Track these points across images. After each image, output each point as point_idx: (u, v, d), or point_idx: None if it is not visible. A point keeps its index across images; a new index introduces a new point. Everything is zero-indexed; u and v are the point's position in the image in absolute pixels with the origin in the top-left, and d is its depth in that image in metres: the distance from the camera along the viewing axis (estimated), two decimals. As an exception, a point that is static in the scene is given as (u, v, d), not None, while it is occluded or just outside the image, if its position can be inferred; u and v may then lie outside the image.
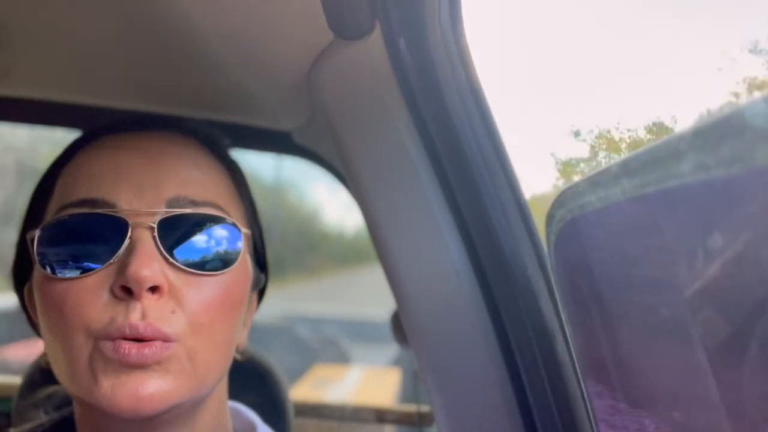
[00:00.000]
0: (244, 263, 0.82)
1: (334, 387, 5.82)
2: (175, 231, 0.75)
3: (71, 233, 0.75)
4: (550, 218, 0.75)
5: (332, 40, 0.85)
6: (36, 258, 0.75)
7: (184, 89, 1.10)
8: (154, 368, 0.70)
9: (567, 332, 0.84)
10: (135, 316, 0.69)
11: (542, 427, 0.87)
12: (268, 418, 1.01)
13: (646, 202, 0.57)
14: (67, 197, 0.77)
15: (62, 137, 0.95)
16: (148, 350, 0.69)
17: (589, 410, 0.82)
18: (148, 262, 0.70)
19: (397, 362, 6.49)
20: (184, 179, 0.79)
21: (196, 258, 0.75)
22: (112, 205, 0.75)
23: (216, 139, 0.90)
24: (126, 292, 0.70)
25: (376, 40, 0.83)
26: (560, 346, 0.85)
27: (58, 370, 0.75)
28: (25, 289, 0.84)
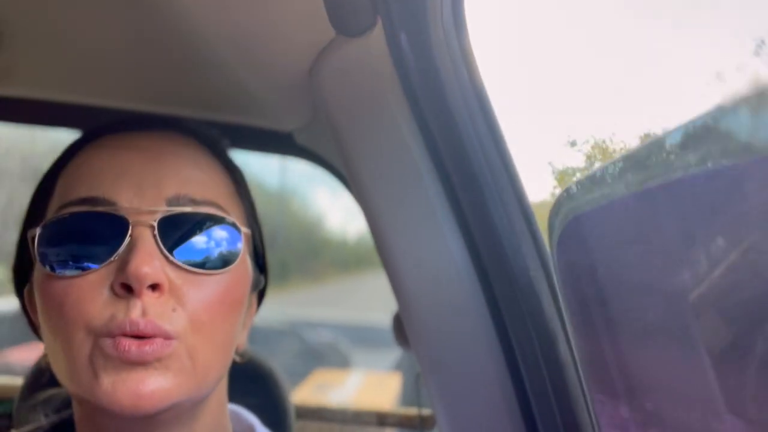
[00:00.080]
0: (244, 263, 0.82)
1: (334, 391, 5.82)
2: (176, 230, 0.75)
3: (72, 231, 0.75)
4: (552, 217, 0.75)
5: (333, 37, 0.85)
6: (36, 256, 0.75)
7: (184, 90, 1.10)
8: (154, 365, 0.70)
9: (569, 333, 0.84)
10: (135, 313, 0.69)
11: (544, 429, 0.86)
12: (269, 421, 1.01)
13: (651, 196, 0.57)
14: (67, 196, 0.77)
15: (65, 138, 0.94)
16: (149, 347, 0.69)
17: (592, 413, 0.82)
18: (149, 260, 0.70)
19: (398, 367, 6.49)
20: (185, 178, 0.79)
21: (197, 257, 0.75)
22: (112, 204, 0.75)
23: (215, 139, 0.90)
24: (126, 289, 0.70)
25: (377, 36, 0.83)
26: (562, 348, 0.85)
27: (58, 369, 0.75)
28: (26, 290, 0.84)
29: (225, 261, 0.77)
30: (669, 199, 0.55)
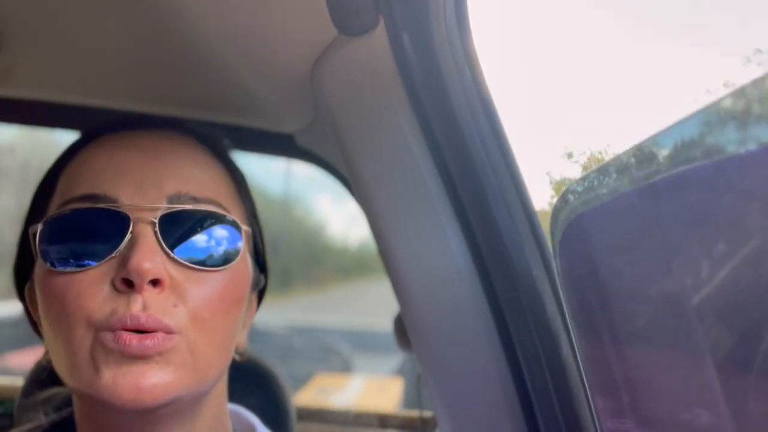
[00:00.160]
0: (245, 261, 0.82)
1: (336, 396, 5.81)
2: (177, 227, 0.75)
3: (73, 228, 0.75)
4: (555, 217, 0.74)
5: (335, 37, 0.85)
6: (38, 252, 0.76)
7: (185, 91, 1.10)
8: (155, 359, 0.70)
9: (572, 334, 0.84)
10: (136, 308, 0.69)
11: (546, 430, 0.86)
12: (270, 422, 1.01)
13: (655, 194, 0.56)
14: (69, 193, 0.78)
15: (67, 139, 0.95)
16: (150, 341, 0.69)
17: (594, 414, 0.81)
18: (150, 256, 0.70)
19: (399, 371, 6.48)
20: (185, 176, 0.79)
21: (197, 254, 0.75)
22: (113, 201, 0.75)
23: (215, 139, 0.91)
24: (127, 284, 0.70)
25: (380, 35, 0.83)
26: (565, 349, 0.84)
27: (59, 365, 0.75)
28: (27, 287, 0.85)
29: (225, 258, 0.77)
30: (672, 196, 0.55)
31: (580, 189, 0.69)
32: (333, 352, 8.19)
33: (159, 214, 0.74)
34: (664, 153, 0.54)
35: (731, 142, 0.44)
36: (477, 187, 0.86)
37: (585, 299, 0.74)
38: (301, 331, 8.53)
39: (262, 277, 0.93)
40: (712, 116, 0.47)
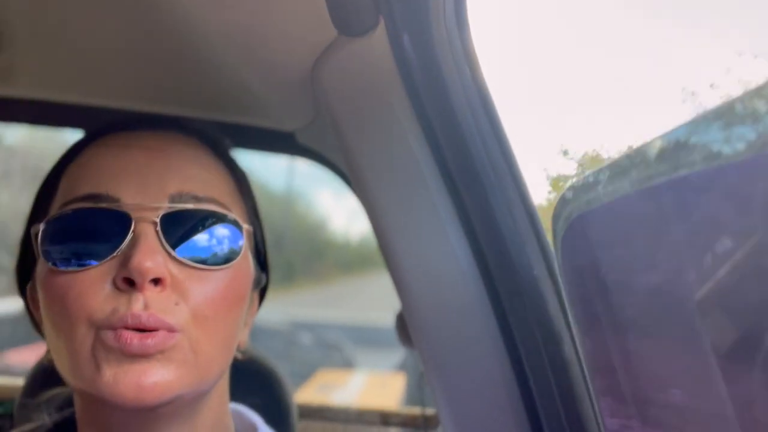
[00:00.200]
0: (246, 259, 0.82)
1: (337, 392, 5.81)
2: (178, 226, 0.75)
3: (75, 227, 0.75)
4: (556, 216, 0.74)
5: (336, 37, 0.85)
6: (39, 252, 0.76)
7: (186, 90, 1.10)
8: (157, 357, 0.70)
9: (574, 332, 0.84)
10: (137, 307, 0.70)
11: (548, 428, 0.86)
12: (271, 420, 1.01)
13: (657, 193, 0.56)
14: (71, 193, 0.78)
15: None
16: (151, 340, 0.69)
17: (597, 411, 0.82)
18: (151, 255, 0.71)
19: (402, 367, 6.48)
20: (187, 176, 0.80)
21: (199, 253, 0.76)
22: (115, 200, 0.75)
23: (217, 139, 0.91)
24: (128, 283, 0.71)
25: (380, 36, 0.83)
26: (567, 347, 0.84)
27: (61, 363, 0.75)
28: (28, 287, 0.85)
29: (227, 257, 0.78)
30: (674, 196, 0.55)
31: (581, 188, 0.69)
32: (334, 348, 8.19)
33: (160, 213, 0.74)
34: (666, 155, 0.54)
35: (733, 145, 0.44)
36: (477, 184, 0.86)
37: (587, 297, 0.74)
38: (302, 327, 8.53)
39: (263, 276, 0.93)
40: (716, 119, 0.47)
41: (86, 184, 0.78)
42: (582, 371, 0.83)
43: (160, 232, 0.74)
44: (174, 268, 0.74)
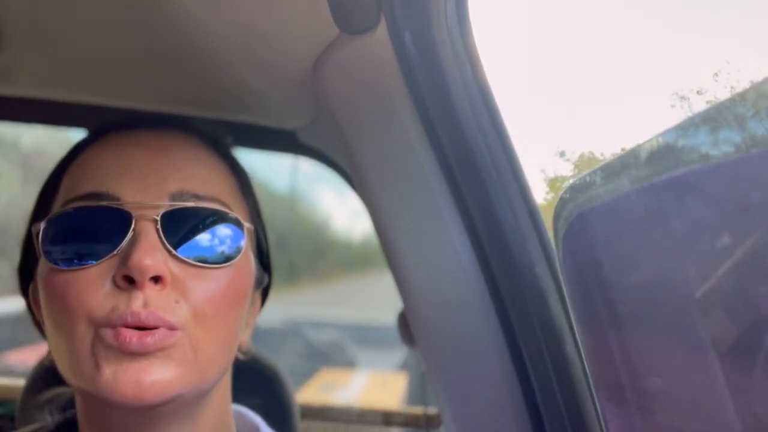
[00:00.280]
0: (247, 258, 0.82)
1: (339, 391, 5.82)
2: (179, 224, 0.75)
3: (75, 225, 0.75)
4: (557, 214, 0.74)
5: (337, 35, 0.85)
6: (40, 250, 0.76)
7: (188, 88, 1.10)
8: (156, 355, 0.70)
9: (575, 330, 0.84)
10: (137, 305, 0.69)
11: (550, 426, 0.86)
12: (273, 421, 1.01)
13: (657, 191, 0.56)
14: (72, 191, 0.78)
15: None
16: (150, 339, 0.69)
17: (598, 409, 0.81)
18: (151, 252, 0.71)
19: (404, 366, 6.49)
20: (188, 174, 0.80)
21: (199, 251, 0.75)
22: (116, 199, 0.75)
23: (218, 137, 0.91)
24: (128, 281, 0.71)
25: (381, 34, 0.82)
26: (569, 345, 0.84)
27: (61, 362, 0.75)
28: (30, 287, 0.85)
29: (227, 256, 0.77)
30: (675, 194, 0.55)
31: (582, 187, 0.69)
32: (336, 348, 8.19)
33: (161, 211, 0.74)
34: (667, 153, 0.53)
35: (733, 143, 0.44)
36: (479, 182, 0.86)
37: (588, 295, 0.74)
38: (304, 326, 8.54)
39: (265, 276, 0.93)
40: (717, 116, 0.47)
41: (87, 183, 0.78)
42: (583, 369, 0.83)
43: (160, 230, 0.73)
44: (174, 267, 0.73)
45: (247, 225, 0.82)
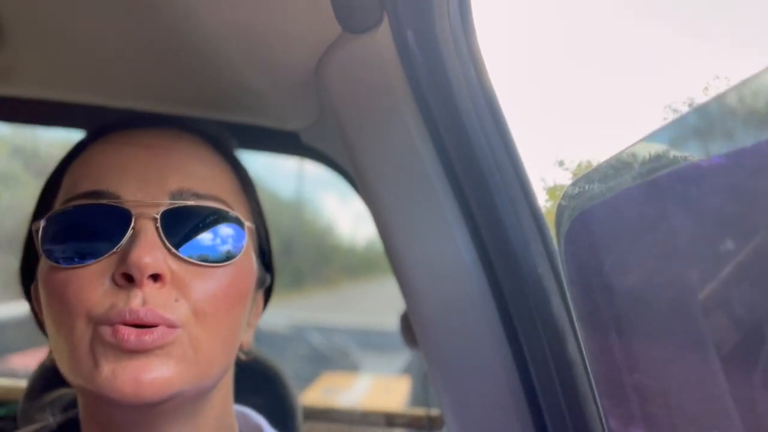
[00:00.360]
0: (248, 257, 0.82)
1: (342, 395, 5.82)
2: (179, 222, 0.75)
3: (75, 223, 0.76)
4: (559, 213, 0.74)
5: (339, 35, 0.85)
6: (40, 248, 0.76)
7: (189, 89, 1.10)
8: (156, 353, 0.70)
9: (578, 331, 0.83)
10: (135, 303, 0.69)
11: (553, 427, 0.86)
12: (276, 422, 1.01)
13: (660, 188, 0.56)
14: (73, 190, 0.78)
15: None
16: (149, 337, 0.69)
17: (601, 411, 0.81)
18: (150, 250, 0.71)
19: (407, 370, 6.49)
20: (188, 173, 0.80)
21: (199, 249, 0.76)
22: (116, 197, 0.75)
23: (220, 136, 0.91)
24: (127, 279, 0.71)
25: (384, 33, 0.82)
26: (571, 346, 0.84)
27: (61, 360, 0.75)
28: (32, 287, 0.85)
29: (228, 255, 0.78)
30: (678, 190, 0.54)
31: (585, 184, 0.69)
32: (340, 352, 8.20)
33: (161, 209, 0.75)
34: (667, 149, 0.53)
35: (733, 137, 0.44)
36: (482, 183, 0.86)
37: (591, 295, 0.74)
38: (308, 331, 8.54)
39: (267, 276, 0.93)
40: (716, 111, 0.47)
41: (87, 181, 0.78)
42: (586, 371, 0.83)
43: (160, 229, 0.74)
44: (174, 265, 0.73)
45: (248, 224, 0.82)
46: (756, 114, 0.43)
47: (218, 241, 0.77)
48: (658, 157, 0.54)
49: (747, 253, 0.48)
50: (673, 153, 0.52)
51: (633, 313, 0.68)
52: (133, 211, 0.74)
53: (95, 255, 0.72)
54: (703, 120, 0.48)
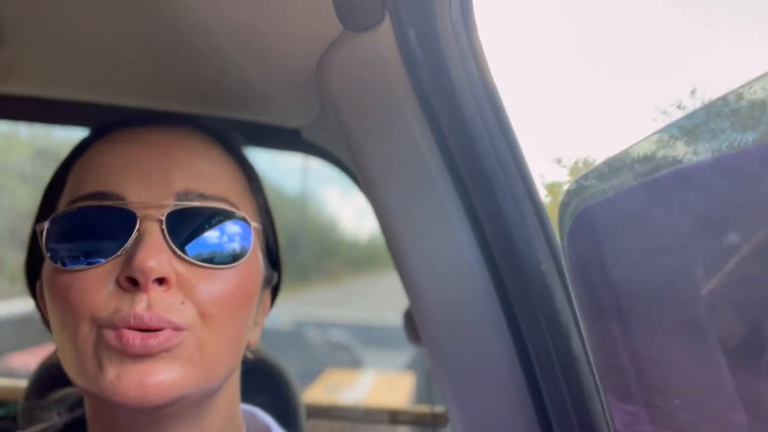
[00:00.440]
0: (255, 258, 0.82)
1: (345, 392, 5.82)
2: (184, 224, 0.74)
3: (79, 225, 0.75)
4: (563, 210, 0.74)
5: (341, 33, 0.85)
6: (45, 250, 0.75)
7: (190, 87, 1.09)
8: (162, 356, 0.69)
9: (582, 328, 0.83)
10: (140, 307, 0.69)
11: (557, 424, 0.86)
12: (279, 420, 1.01)
13: (662, 186, 0.56)
14: (77, 190, 0.78)
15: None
16: (154, 341, 0.68)
17: (605, 406, 0.81)
18: (155, 254, 0.70)
19: (410, 366, 6.49)
20: (194, 173, 0.79)
21: (205, 251, 0.75)
22: (121, 198, 0.75)
23: (227, 134, 0.90)
24: (132, 283, 0.70)
25: (385, 31, 0.82)
26: (575, 342, 0.84)
27: (66, 362, 0.75)
28: (37, 284, 0.84)
29: (234, 256, 0.77)
30: (681, 188, 0.54)
31: (589, 181, 0.69)
32: (343, 348, 8.19)
33: (166, 211, 0.74)
34: (671, 146, 0.53)
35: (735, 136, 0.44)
36: (485, 180, 0.86)
37: (594, 292, 0.74)
38: (311, 327, 8.54)
39: (274, 274, 0.92)
40: (720, 109, 0.47)
41: (92, 182, 0.77)
42: (590, 366, 0.83)
43: (165, 231, 0.73)
44: (180, 267, 0.73)
45: (254, 224, 0.81)
46: (757, 115, 0.43)
47: (224, 242, 0.76)
48: (660, 156, 0.54)
49: (749, 249, 0.48)
50: (674, 152, 0.52)
51: (636, 309, 0.68)
52: (138, 213, 0.73)
53: (100, 257, 0.72)
54: (704, 120, 0.48)
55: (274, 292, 0.96)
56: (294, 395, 1.27)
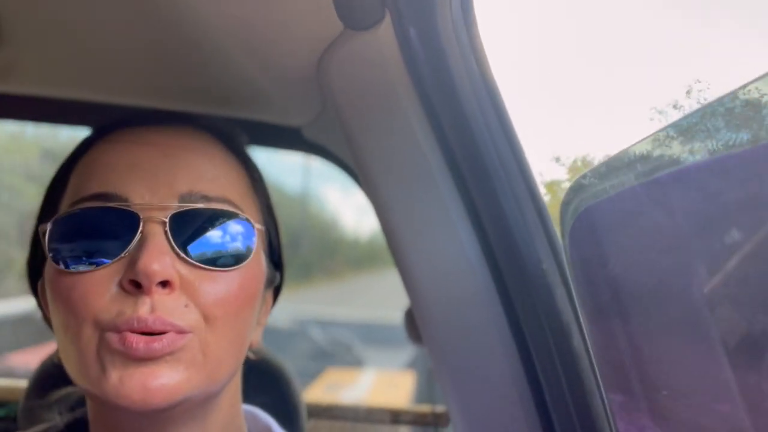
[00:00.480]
0: (258, 259, 0.81)
1: (346, 391, 5.81)
2: (188, 226, 0.74)
3: (82, 227, 0.75)
4: (564, 209, 0.74)
5: (341, 31, 0.84)
6: (47, 251, 0.75)
7: (190, 85, 1.09)
8: (165, 359, 0.69)
9: (583, 326, 0.83)
10: (144, 310, 0.69)
11: (559, 423, 0.86)
12: (280, 420, 1.01)
13: (663, 186, 0.56)
14: (80, 191, 0.77)
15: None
16: (158, 344, 0.68)
17: (607, 407, 0.81)
18: (159, 257, 0.70)
19: (411, 365, 6.48)
20: (197, 174, 0.79)
21: (209, 253, 0.74)
22: (124, 200, 0.74)
23: (231, 134, 0.90)
24: (135, 286, 0.70)
25: (386, 30, 0.82)
26: (576, 341, 0.84)
27: (69, 364, 0.75)
28: (39, 284, 0.84)
29: (238, 258, 0.77)
30: (681, 188, 0.54)
31: (590, 180, 0.69)
32: (343, 347, 8.19)
33: (170, 213, 0.73)
34: (673, 146, 0.53)
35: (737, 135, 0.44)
36: (485, 179, 0.86)
37: (595, 291, 0.74)
38: (311, 325, 8.54)
39: (277, 275, 0.92)
40: (721, 108, 0.47)
41: (94, 183, 0.77)
42: (591, 365, 0.83)
43: (169, 233, 0.72)
44: (183, 269, 0.72)
45: (258, 226, 0.81)
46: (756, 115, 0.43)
47: (228, 244, 0.76)
48: (661, 156, 0.54)
49: (750, 247, 0.48)
50: (675, 152, 0.52)
51: (637, 308, 0.68)
52: (142, 215, 0.73)
53: (103, 259, 0.71)
54: (706, 120, 0.48)
55: (276, 292, 0.96)
56: (295, 395, 1.27)
